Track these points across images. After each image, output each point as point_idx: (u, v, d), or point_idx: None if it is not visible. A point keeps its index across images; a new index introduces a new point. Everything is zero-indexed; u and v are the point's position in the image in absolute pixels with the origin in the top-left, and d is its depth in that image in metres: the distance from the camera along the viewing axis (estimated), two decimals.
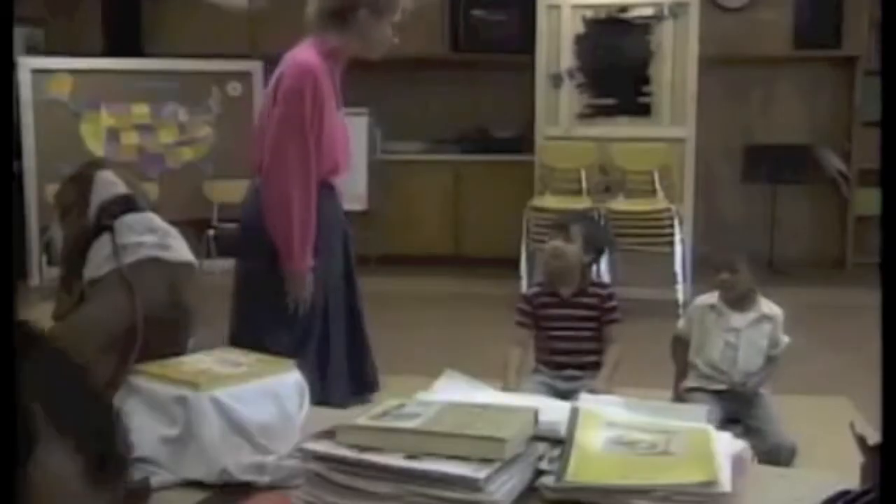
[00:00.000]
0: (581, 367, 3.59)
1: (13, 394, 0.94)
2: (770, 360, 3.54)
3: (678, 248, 7.15)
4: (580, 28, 7.48)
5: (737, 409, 3.43)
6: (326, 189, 3.26)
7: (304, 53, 3.19)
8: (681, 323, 3.68)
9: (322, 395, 3.09)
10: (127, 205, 1.93)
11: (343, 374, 3.31)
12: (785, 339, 3.56)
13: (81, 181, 1.98)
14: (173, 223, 1.98)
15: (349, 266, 3.41)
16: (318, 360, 3.20)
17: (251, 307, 3.26)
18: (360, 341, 3.42)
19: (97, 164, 2.04)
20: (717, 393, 3.47)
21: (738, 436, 1.68)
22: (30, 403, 0.84)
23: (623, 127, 7.48)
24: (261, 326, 3.16)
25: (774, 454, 3.22)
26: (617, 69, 7.43)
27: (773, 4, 8.57)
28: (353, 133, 8.00)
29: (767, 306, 3.57)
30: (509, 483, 1.40)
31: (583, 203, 7.21)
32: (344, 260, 3.38)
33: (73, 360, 0.87)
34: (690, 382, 3.54)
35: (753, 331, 3.53)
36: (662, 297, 6.92)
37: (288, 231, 3.12)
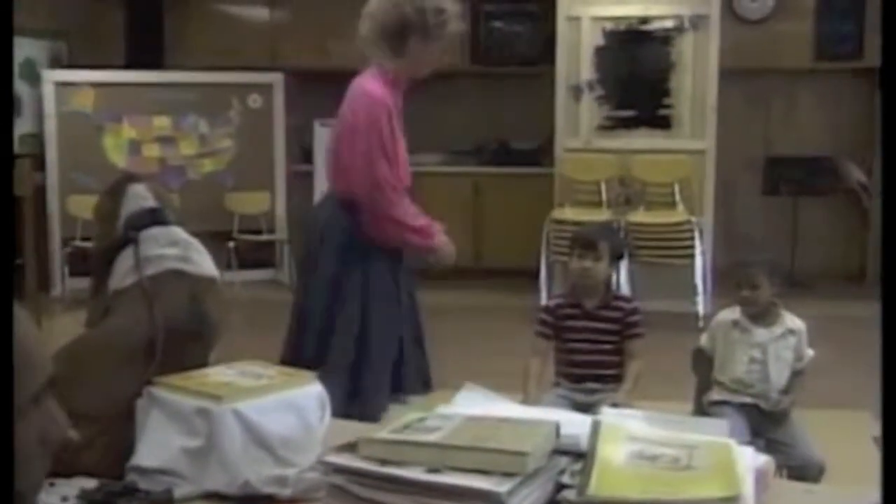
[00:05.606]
0: (601, 380, 3.58)
1: (12, 390, 0.97)
2: (795, 374, 3.51)
3: (698, 261, 7.13)
4: (600, 40, 7.48)
5: (762, 424, 3.40)
6: None
7: (372, 84, 3.44)
8: (703, 339, 3.66)
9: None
10: (153, 218, 1.94)
11: (410, 373, 3.65)
12: (810, 352, 3.53)
13: (114, 194, 1.99)
14: (194, 235, 1.99)
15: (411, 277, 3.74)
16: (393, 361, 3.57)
17: (319, 309, 3.54)
18: (421, 341, 3.73)
19: (131, 177, 2.05)
20: (742, 406, 3.45)
21: (760, 450, 1.67)
22: None
23: (643, 139, 7.47)
24: (329, 329, 3.51)
25: (802, 471, 3.19)
26: (637, 81, 7.42)
27: (794, 16, 8.54)
28: None
29: (791, 320, 3.54)
30: (531, 497, 1.40)
31: (602, 215, 7.21)
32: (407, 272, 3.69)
33: None
34: (715, 396, 3.52)
35: (779, 345, 3.50)
36: (683, 310, 6.89)
37: (407, 237, 3.54)
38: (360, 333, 3.51)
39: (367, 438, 1.47)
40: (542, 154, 8.59)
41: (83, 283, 2.07)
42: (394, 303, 3.58)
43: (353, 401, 3.32)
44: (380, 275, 3.54)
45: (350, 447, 1.48)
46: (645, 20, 7.42)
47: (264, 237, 8.73)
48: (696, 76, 7.35)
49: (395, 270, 3.60)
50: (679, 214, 7.28)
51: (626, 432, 1.58)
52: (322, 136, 8.52)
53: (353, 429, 1.64)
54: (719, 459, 1.49)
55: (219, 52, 8.90)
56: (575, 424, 1.59)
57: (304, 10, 9.07)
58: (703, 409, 3.53)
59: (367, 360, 3.50)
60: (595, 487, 1.41)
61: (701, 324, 6.30)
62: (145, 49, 8.92)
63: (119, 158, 8.40)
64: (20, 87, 8.16)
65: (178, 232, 1.95)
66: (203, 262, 1.94)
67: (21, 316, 1.03)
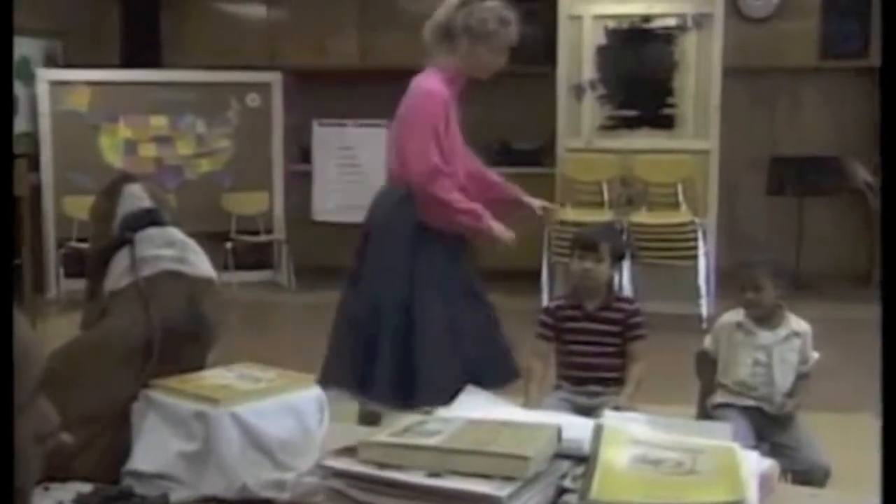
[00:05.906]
0: (603, 382, 3.56)
1: (12, 390, 0.96)
2: (800, 377, 3.49)
3: (702, 262, 7.12)
4: (602, 39, 7.47)
5: (766, 427, 3.38)
6: None
7: (430, 81, 3.73)
8: (707, 341, 3.63)
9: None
10: (149, 218, 1.92)
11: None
12: (815, 354, 3.51)
13: (110, 194, 1.97)
14: (191, 235, 1.97)
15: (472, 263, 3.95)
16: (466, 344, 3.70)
17: (395, 303, 3.66)
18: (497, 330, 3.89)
19: (127, 177, 2.04)
20: (746, 409, 3.42)
21: (764, 454, 1.64)
22: None
23: (646, 139, 7.46)
24: (409, 321, 3.64)
25: (807, 475, 3.17)
26: (639, 80, 7.41)
27: (799, 14, 8.52)
28: (373, 146, 8.00)
29: (796, 322, 3.52)
30: (532, 501, 1.39)
31: (605, 216, 7.20)
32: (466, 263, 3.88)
33: None
34: (719, 399, 3.50)
35: (784, 348, 3.48)
36: (686, 312, 6.87)
37: (456, 218, 3.66)
38: (450, 323, 3.66)
39: (367, 442, 1.46)
40: (543, 154, 8.57)
41: (79, 284, 2.05)
42: (471, 285, 3.81)
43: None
44: (451, 257, 3.74)
45: (349, 451, 1.47)
46: (647, 19, 7.40)
47: (262, 238, 8.71)
48: (699, 75, 7.33)
49: (461, 255, 3.81)
50: (682, 215, 7.27)
51: (629, 436, 1.57)
52: (321, 135, 8.53)
53: (353, 432, 1.62)
54: (723, 463, 1.47)
55: (217, 51, 8.90)
56: (577, 428, 1.58)
57: (303, 9, 9.06)
58: (706, 413, 3.51)
59: (460, 347, 3.65)
60: (597, 492, 1.39)
61: (704, 326, 6.28)
62: (142, 48, 8.91)
63: (115, 158, 8.39)
64: (15, 87, 8.14)
65: (175, 233, 1.93)
66: (200, 263, 1.92)
67: (16, 314, 1.03)
